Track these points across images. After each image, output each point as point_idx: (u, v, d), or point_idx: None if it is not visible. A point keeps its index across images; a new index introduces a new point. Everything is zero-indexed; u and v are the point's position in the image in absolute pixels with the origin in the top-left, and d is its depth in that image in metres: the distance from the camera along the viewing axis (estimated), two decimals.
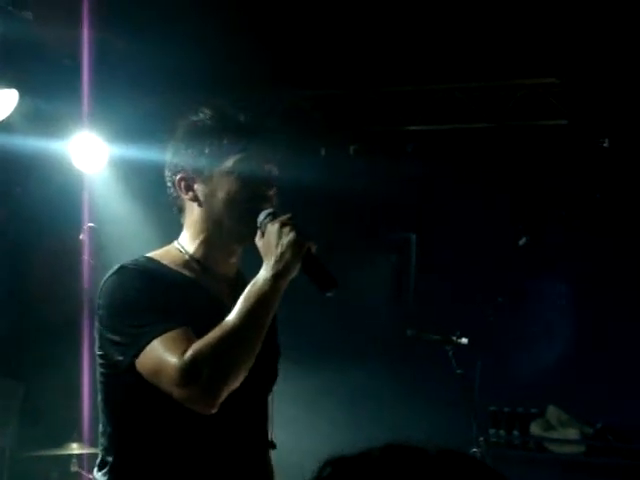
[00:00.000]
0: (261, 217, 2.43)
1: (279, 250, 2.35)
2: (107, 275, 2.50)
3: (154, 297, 2.41)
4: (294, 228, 2.36)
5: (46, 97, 5.92)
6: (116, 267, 2.49)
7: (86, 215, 6.35)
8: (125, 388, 2.42)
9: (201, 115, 2.57)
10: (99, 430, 2.57)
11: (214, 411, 2.30)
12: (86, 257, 6.17)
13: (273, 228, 2.37)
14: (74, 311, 6.27)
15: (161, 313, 2.37)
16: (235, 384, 2.30)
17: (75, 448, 5.60)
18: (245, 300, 2.34)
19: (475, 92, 6.54)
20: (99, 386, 2.54)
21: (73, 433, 5.72)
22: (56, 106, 6.07)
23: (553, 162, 6.69)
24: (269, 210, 2.45)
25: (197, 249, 2.56)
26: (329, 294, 2.39)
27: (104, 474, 2.52)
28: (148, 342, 2.32)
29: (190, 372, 2.25)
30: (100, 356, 2.50)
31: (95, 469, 2.57)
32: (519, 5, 5.50)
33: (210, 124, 2.55)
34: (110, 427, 2.51)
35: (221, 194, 2.50)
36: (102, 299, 2.49)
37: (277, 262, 2.34)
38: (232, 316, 2.32)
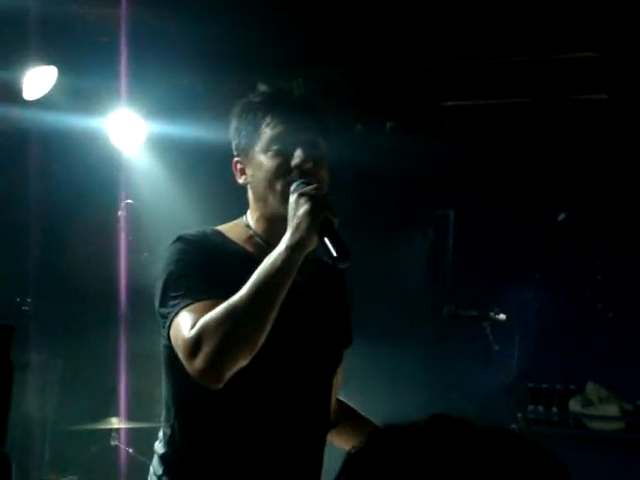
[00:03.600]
0: (292, 187, 2.35)
1: (295, 222, 2.26)
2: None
3: (198, 268, 2.38)
4: (310, 199, 2.28)
5: (84, 74, 5.94)
6: (175, 237, 2.47)
7: (124, 192, 6.39)
8: (177, 360, 2.35)
9: (249, 95, 2.55)
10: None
11: (219, 386, 2.25)
12: (124, 233, 6.21)
13: (292, 199, 2.30)
14: (112, 287, 6.32)
15: (200, 285, 2.34)
16: (241, 359, 2.23)
17: (114, 422, 5.65)
18: (257, 273, 2.26)
19: (513, 67, 6.49)
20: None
21: (111, 407, 5.77)
22: (94, 83, 6.10)
23: (593, 137, 6.63)
24: (301, 180, 2.36)
25: (258, 226, 2.52)
26: (341, 265, 2.28)
27: (162, 446, 2.52)
28: (177, 314, 2.31)
29: (192, 346, 2.23)
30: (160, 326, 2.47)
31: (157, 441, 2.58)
32: None
33: (251, 102, 2.52)
34: (168, 399, 2.51)
35: (260, 173, 2.45)
36: (158, 269, 2.46)
37: (292, 234, 2.26)
38: (243, 290, 2.24)
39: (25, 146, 6.27)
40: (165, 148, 6.63)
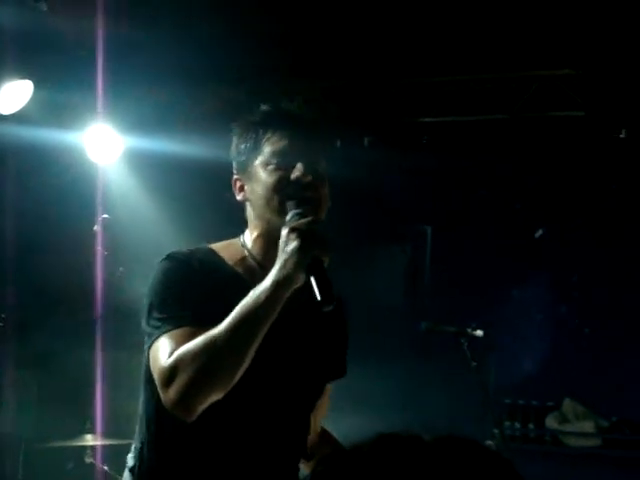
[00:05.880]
0: (287, 218, 2.30)
1: (283, 257, 2.21)
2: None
3: (184, 291, 2.35)
4: (301, 234, 2.21)
5: (61, 88, 5.91)
6: (164, 255, 2.44)
7: (100, 206, 6.35)
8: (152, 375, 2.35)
9: (252, 112, 2.53)
10: None
11: (192, 418, 2.24)
12: (100, 248, 6.17)
13: (283, 233, 2.24)
14: (88, 302, 6.28)
15: (184, 309, 2.31)
16: (214, 394, 2.21)
17: (89, 440, 5.61)
18: (240, 308, 2.21)
19: (491, 84, 6.50)
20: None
21: (86, 424, 5.73)
22: (71, 97, 6.07)
23: (569, 154, 6.66)
24: (297, 210, 2.30)
25: (254, 246, 2.48)
26: (325, 309, 2.19)
27: (132, 458, 2.51)
28: (157, 338, 2.29)
29: (167, 376, 2.21)
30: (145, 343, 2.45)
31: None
32: None
33: (252, 121, 2.50)
34: (142, 412, 2.49)
35: (259, 188, 2.42)
36: (146, 286, 2.43)
37: (279, 270, 2.20)
38: (223, 323, 2.20)
39: (0, 160, 6.23)
40: (142, 163, 6.61)
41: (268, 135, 2.45)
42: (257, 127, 2.48)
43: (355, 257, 7.11)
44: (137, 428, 2.53)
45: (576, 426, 6.68)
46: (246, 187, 2.48)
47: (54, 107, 6.01)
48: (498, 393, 6.32)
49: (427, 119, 6.77)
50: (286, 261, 2.20)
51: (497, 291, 6.84)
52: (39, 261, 6.61)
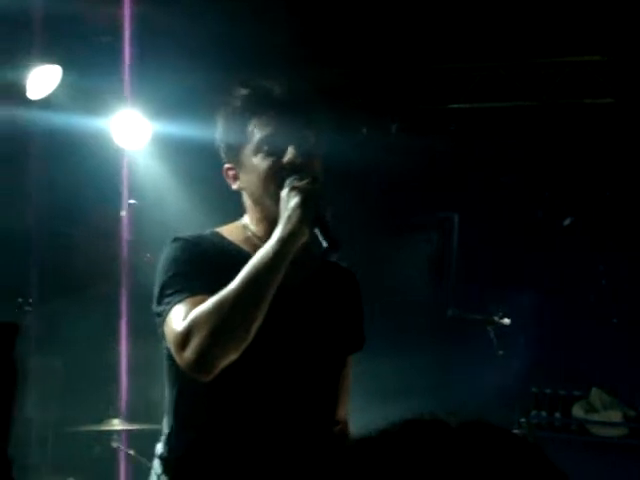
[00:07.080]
0: (286, 183, 2.36)
1: (286, 214, 2.29)
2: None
3: (194, 266, 2.39)
4: (301, 191, 2.29)
5: (89, 74, 5.92)
6: (171, 238, 2.49)
7: (127, 192, 6.36)
8: (176, 362, 2.36)
9: (234, 97, 2.53)
10: None
11: (209, 378, 2.27)
12: (126, 234, 6.19)
13: (283, 193, 2.32)
14: (114, 287, 6.30)
15: (195, 280, 2.35)
16: (232, 351, 2.25)
17: (116, 424, 5.63)
18: (249, 265, 2.28)
19: (520, 70, 6.47)
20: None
21: (109, 409, 5.75)
22: (99, 83, 6.07)
23: (599, 141, 6.61)
24: (294, 176, 2.36)
25: (258, 229, 2.52)
26: (332, 257, 2.32)
27: (161, 446, 2.53)
28: (170, 309, 2.33)
29: (183, 338, 2.25)
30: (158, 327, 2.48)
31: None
32: None
33: (234, 107, 2.51)
34: (169, 400, 2.51)
35: (254, 176, 2.45)
36: (156, 271, 2.48)
37: (284, 227, 2.28)
38: (234, 282, 2.26)
39: (29, 145, 6.25)
40: (169, 148, 6.61)
41: (254, 121, 2.46)
42: (241, 113, 2.49)
43: (381, 245, 7.10)
44: (165, 417, 2.55)
45: (603, 415, 6.64)
46: (240, 176, 2.51)
47: (82, 92, 6.01)
48: (525, 382, 6.29)
49: (455, 105, 6.74)
50: (290, 217, 2.28)
51: (525, 279, 6.80)
52: (66, 246, 6.64)
